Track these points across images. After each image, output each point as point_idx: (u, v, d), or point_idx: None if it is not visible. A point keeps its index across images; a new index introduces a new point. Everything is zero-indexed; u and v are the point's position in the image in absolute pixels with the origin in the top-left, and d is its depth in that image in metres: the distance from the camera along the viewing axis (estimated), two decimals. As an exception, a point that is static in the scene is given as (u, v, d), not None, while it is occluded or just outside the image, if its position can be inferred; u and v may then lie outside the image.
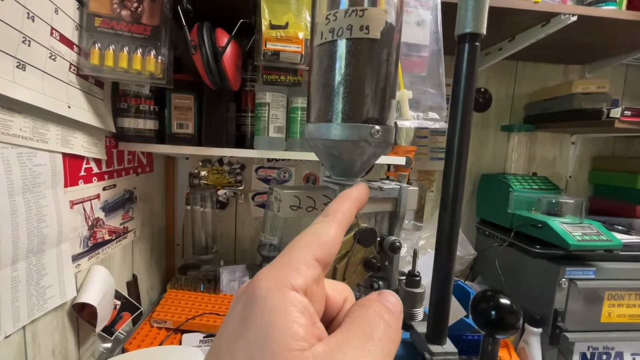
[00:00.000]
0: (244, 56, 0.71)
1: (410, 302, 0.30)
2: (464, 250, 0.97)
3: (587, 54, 1.01)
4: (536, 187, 0.97)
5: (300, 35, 0.57)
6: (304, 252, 0.16)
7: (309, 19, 0.59)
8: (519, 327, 0.35)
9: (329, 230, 0.18)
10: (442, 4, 0.62)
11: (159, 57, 0.59)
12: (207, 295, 0.87)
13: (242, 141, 0.80)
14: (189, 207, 1.00)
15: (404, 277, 0.31)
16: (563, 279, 0.78)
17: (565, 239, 0.77)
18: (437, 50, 0.62)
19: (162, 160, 0.96)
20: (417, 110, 0.63)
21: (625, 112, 0.80)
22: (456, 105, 0.23)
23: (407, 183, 0.88)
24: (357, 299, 0.29)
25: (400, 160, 0.79)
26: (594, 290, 0.79)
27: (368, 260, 0.26)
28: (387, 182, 0.29)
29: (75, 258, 0.57)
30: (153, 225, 0.92)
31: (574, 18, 0.70)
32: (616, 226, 0.98)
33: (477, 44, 0.22)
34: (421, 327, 0.28)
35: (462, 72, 0.22)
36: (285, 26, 0.56)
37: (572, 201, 0.86)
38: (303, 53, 0.57)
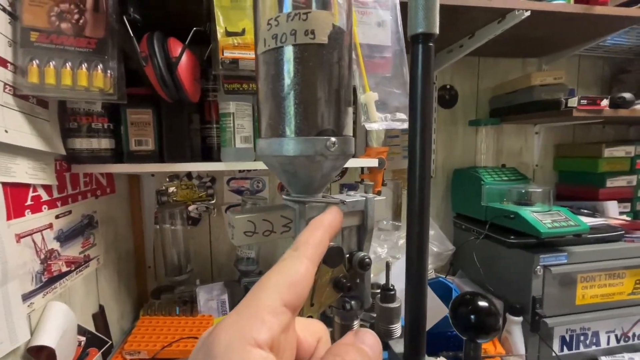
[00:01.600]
0: (202, 65, 0.68)
1: (386, 318, 0.28)
2: (443, 247, 0.98)
3: (543, 47, 1.06)
4: (506, 178, 0.99)
5: (259, 41, 0.55)
6: (271, 297, 0.14)
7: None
8: (499, 328, 0.34)
9: (299, 268, 0.16)
10: (401, 4, 0.62)
11: (108, 71, 0.55)
12: (183, 319, 0.83)
13: (209, 153, 0.77)
14: (158, 227, 0.95)
15: (379, 291, 0.29)
16: (538, 267, 0.80)
17: (536, 227, 0.79)
18: (400, 50, 0.62)
19: (124, 179, 0.91)
20: (384, 112, 0.63)
21: (582, 101, 0.83)
22: (414, 108, 0.21)
23: (382, 184, 0.87)
24: (329, 319, 0.26)
25: (373, 162, 0.79)
26: (567, 275, 0.81)
27: (337, 280, 0.24)
28: (352, 193, 0.27)
29: (27, 296, 0.52)
30: (119, 249, 0.86)
31: (528, 13, 0.72)
32: (582, 210, 1.02)
33: (431, 44, 0.21)
34: (399, 346, 0.27)
35: (418, 74, 0.21)
36: (242, 33, 0.54)
37: (540, 190, 0.89)
38: (263, 60, 0.55)
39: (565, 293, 0.82)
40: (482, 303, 0.33)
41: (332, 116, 0.22)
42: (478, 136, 1.15)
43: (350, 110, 0.23)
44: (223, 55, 0.54)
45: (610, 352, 0.87)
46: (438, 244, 0.98)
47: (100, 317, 0.73)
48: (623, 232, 0.89)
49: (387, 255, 0.93)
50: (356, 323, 0.27)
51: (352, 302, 0.25)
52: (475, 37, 0.87)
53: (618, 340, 0.87)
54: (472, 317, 0.33)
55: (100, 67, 0.54)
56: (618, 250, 0.85)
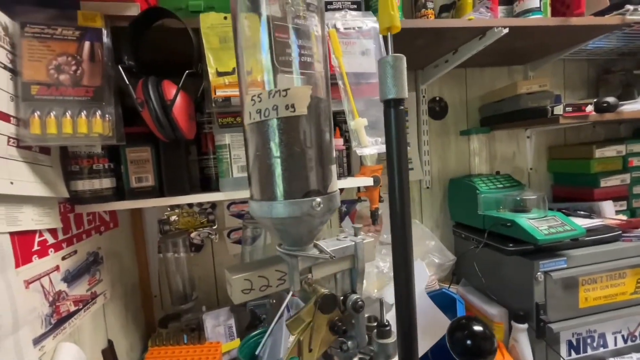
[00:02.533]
0: (197, 101, 0.71)
1: (383, 354, 0.30)
2: (444, 258, 0.98)
3: (526, 55, 1.08)
4: (501, 185, 1.01)
5: (249, 78, 0.58)
6: None
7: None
8: (495, 351, 0.35)
9: None
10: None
11: (106, 116, 0.57)
12: (191, 347, 0.83)
13: (208, 183, 0.78)
14: (161, 255, 0.96)
15: (375, 325, 0.31)
16: (538, 273, 0.80)
17: (533, 234, 0.80)
18: (385, 76, 0.64)
19: (127, 212, 0.92)
20: (374, 135, 0.65)
21: (567, 108, 0.85)
22: (392, 166, 0.23)
23: (379, 200, 0.89)
24: (330, 357, 0.28)
25: (369, 181, 0.80)
26: (568, 279, 0.82)
27: (333, 323, 0.26)
28: (341, 236, 0.29)
29: (38, 340, 0.53)
30: (125, 282, 0.87)
31: (506, 30, 0.74)
32: (579, 212, 1.03)
33: (402, 107, 0.23)
34: (395, 383, 0.28)
35: (392, 134, 0.23)
36: (233, 72, 0.56)
37: (534, 197, 0.90)
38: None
39: (567, 297, 0.82)
40: (478, 327, 0.35)
41: (316, 177, 0.23)
42: (470, 144, 1.17)
43: (334, 168, 0.25)
44: (215, 94, 0.56)
45: (618, 353, 0.87)
46: (439, 255, 0.99)
47: (109, 353, 0.74)
48: (620, 232, 0.90)
49: (389, 270, 0.94)
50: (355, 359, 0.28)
51: (349, 343, 0.27)
52: (459, 53, 0.90)
53: (625, 341, 0.88)
54: (468, 342, 0.34)
55: (98, 113, 0.57)
56: (617, 250, 0.86)
